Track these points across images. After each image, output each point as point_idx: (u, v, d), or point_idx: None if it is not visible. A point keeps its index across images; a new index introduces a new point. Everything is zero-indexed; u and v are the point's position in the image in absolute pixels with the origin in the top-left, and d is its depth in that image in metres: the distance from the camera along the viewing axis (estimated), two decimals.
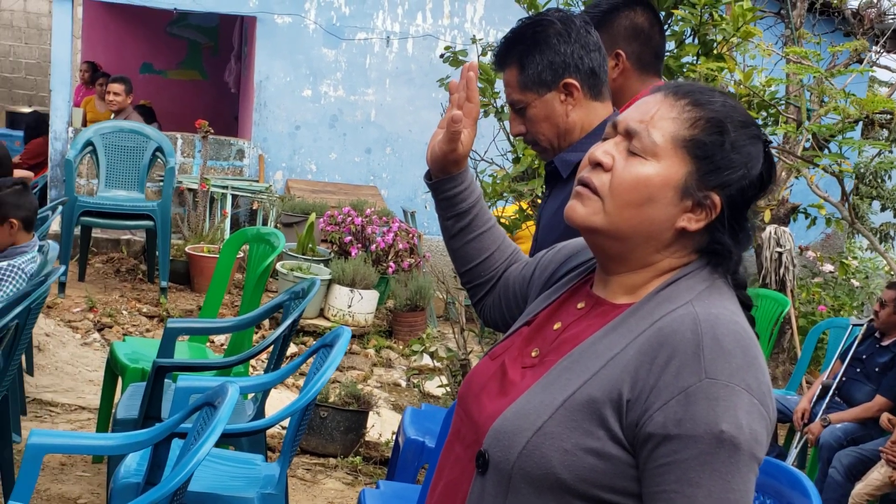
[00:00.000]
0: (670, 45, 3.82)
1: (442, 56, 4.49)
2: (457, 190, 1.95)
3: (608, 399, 1.41)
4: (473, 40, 4.56)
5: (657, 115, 1.51)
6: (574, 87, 2.38)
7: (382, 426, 5.43)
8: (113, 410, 4.56)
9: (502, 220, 5.33)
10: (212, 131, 8.58)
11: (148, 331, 6.75)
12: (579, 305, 1.61)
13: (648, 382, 1.39)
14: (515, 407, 1.48)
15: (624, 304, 1.53)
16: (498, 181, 4.22)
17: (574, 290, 1.67)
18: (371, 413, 5.30)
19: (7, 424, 4.02)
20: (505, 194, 4.19)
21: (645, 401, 1.39)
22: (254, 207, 8.64)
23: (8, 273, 4.25)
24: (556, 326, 1.60)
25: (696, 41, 3.88)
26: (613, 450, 1.41)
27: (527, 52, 2.39)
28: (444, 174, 1.95)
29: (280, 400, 5.25)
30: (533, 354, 1.58)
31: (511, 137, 4.43)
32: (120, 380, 4.57)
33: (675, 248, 1.52)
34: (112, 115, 9.00)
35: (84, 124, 9.39)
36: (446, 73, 5.28)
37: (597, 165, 1.53)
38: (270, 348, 4.20)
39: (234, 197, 8.63)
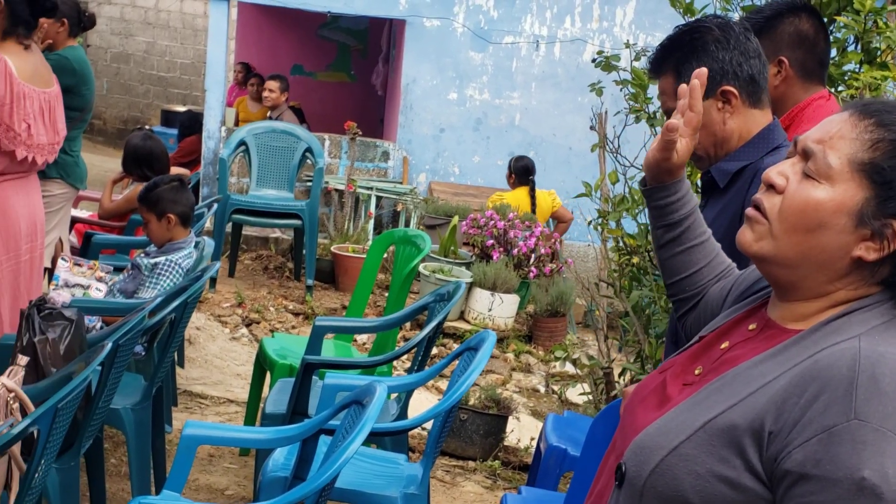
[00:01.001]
0: (832, 53, 3.70)
1: (594, 60, 4.45)
2: (669, 200, 1.91)
3: (749, 428, 1.35)
4: (627, 45, 4.51)
5: (837, 134, 1.43)
6: (732, 95, 2.33)
7: (521, 431, 5.43)
8: (261, 405, 4.68)
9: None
10: (360, 133, 8.72)
11: (293, 327, 6.90)
12: (750, 327, 1.55)
13: (793, 416, 1.32)
14: (659, 423, 1.45)
15: (793, 331, 1.46)
16: None
17: (751, 311, 1.61)
18: (510, 418, 5.30)
19: (161, 415, 4.16)
20: None
21: (787, 435, 1.31)
22: (397, 209, 8.74)
23: (166, 268, 4.39)
24: (723, 345, 1.55)
25: (860, 49, 3.76)
26: (748, 481, 1.34)
27: (684, 59, 2.36)
28: (657, 182, 1.91)
29: (419, 401, 5.29)
30: (696, 372, 1.54)
31: None
32: (268, 375, 4.68)
33: (851, 278, 1.43)
34: (268, 113, 9.25)
35: (236, 124, 9.66)
36: (594, 77, 5.25)
37: (770, 187, 1.47)
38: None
39: (379, 198, 8.75)
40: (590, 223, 4.70)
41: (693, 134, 1.85)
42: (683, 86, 1.86)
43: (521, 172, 8.08)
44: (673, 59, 2.37)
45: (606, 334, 5.14)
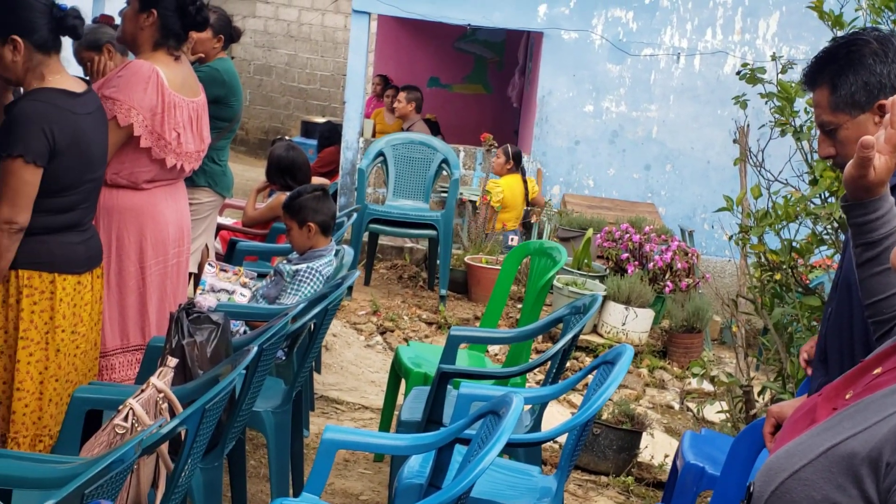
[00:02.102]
0: None
1: (738, 73, 4.38)
2: (867, 218, 1.85)
3: (868, 457, 1.30)
4: (773, 58, 4.41)
5: None
6: None
7: (655, 448, 5.35)
8: (396, 412, 4.73)
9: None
10: (495, 145, 8.75)
11: (427, 336, 6.96)
12: None
13: None
14: (790, 445, 1.42)
15: None
16: (791, 202, 4.07)
17: None
18: (644, 434, 5.23)
19: (300, 419, 4.24)
20: (800, 217, 4.03)
21: None
22: (531, 221, 8.73)
23: (307, 275, 4.49)
24: (875, 371, 1.50)
25: None
26: None
27: (840, 72, 2.30)
28: (855, 199, 1.86)
29: (551, 413, 5.27)
30: (846, 396, 1.49)
31: (808, 158, 4.26)
32: (403, 382, 4.73)
33: None
34: (402, 125, 9.40)
35: (373, 135, 9.81)
36: (734, 89, 5.16)
37: None
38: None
39: None
40: (730, 238, 4.61)
41: (893, 151, 1.77)
42: (894, 99, 1.77)
43: (517, 160, 8.56)
44: (828, 71, 2.32)
45: (746, 352, 5.04)
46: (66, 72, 3.41)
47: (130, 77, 3.76)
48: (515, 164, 8.54)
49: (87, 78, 4.39)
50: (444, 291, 7.60)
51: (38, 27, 3.28)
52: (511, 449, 3.83)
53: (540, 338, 6.87)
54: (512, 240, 8.34)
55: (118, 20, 4.01)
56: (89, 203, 3.48)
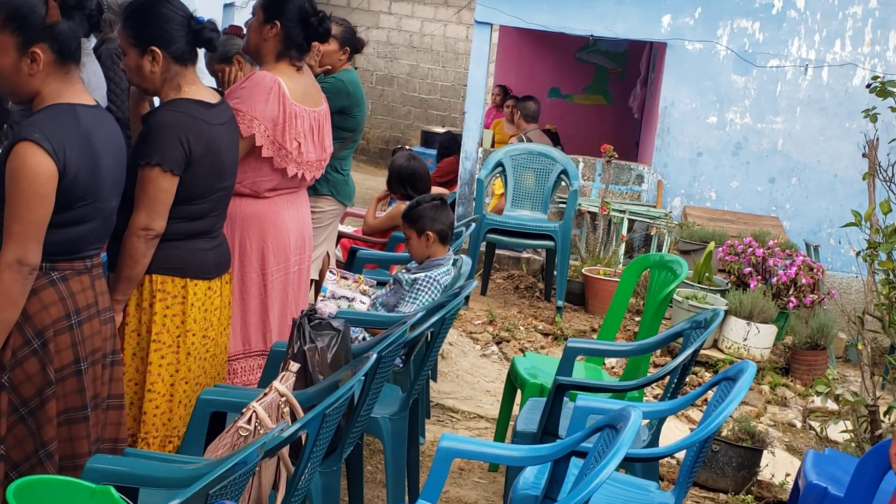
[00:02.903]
0: None
1: (868, 86, 4.28)
2: None
3: None
4: None
5: None
6: None
7: (776, 466, 5.24)
8: (511, 422, 4.74)
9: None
10: (616, 156, 8.69)
11: (542, 347, 6.94)
12: None
13: None
14: None
15: None
16: None
17: None
18: (765, 452, 5.13)
19: (416, 426, 4.28)
20: None
21: None
22: (650, 233, 8.64)
23: (425, 284, 4.53)
24: None
25: None
26: None
27: None
28: None
29: (669, 428, 5.21)
30: None
31: None
32: (519, 393, 4.73)
33: None
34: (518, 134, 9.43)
35: (492, 145, 9.84)
36: (863, 102, 5.03)
37: None
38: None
39: (631, 222, 8.68)
40: (858, 254, 4.50)
41: None
42: None
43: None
44: None
45: (872, 371, 4.90)
46: (201, 83, 3.51)
47: (253, 88, 3.86)
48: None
49: (220, 89, 4.51)
50: (560, 302, 7.58)
51: (176, 39, 3.38)
52: (628, 463, 3.80)
53: (658, 352, 6.79)
54: None
55: (246, 31, 4.11)
56: (220, 211, 3.57)
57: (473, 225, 6.60)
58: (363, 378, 3.10)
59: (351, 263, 5.70)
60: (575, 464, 3.23)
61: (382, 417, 3.88)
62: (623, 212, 8.55)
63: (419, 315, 3.88)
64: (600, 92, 12.14)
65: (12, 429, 2.84)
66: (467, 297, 7.54)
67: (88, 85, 4.18)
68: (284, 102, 3.87)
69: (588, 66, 12.07)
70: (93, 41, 5.11)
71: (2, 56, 2.83)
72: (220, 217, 3.61)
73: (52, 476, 2.54)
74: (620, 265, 8.07)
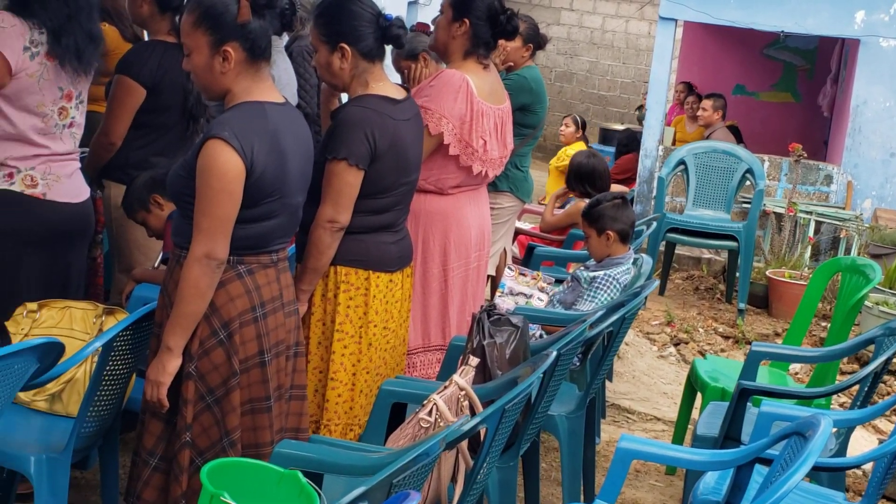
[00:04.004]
0: None
1: None
2: None
3: None
4: None
5: None
6: None
7: None
8: (690, 426, 4.65)
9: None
10: (804, 155, 8.40)
11: (722, 350, 6.78)
12: None
13: None
14: None
15: None
16: None
17: None
18: None
19: (592, 425, 4.25)
20: None
21: None
22: (839, 236, 8.32)
23: (604, 282, 4.49)
24: None
25: None
26: None
27: None
28: None
29: (856, 438, 5.00)
30: None
31: None
32: (699, 396, 4.63)
33: None
34: (704, 132, 9.22)
35: (673, 143, 9.67)
36: None
37: None
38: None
39: (819, 223, 8.38)
40: None
41: None
42: None
43: (583, 128, 9.25)
44: None
45: None
46: (388, 79, 3.57)
47: (442, 87, 3.90)
48: (582, 132, 9.35)
49: (406, 85, 4.58)
50: (742, 305, 7.38)
51: (365, 36, 3.45)
52: (814, 473, 3.67)
53: (845, 360, 6.54)
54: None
55: (433, 28, 4.16)
56: (403, 205, 3.63)
57: (654, 224, 6.50)
58: (541, 375, 3.09)
59: (528, 260, 5.69)
60: (758, 471, 3.14)
61: (559, 415, 3.86)
62: (810, 213, 8.27)
63: (599, 313, 3.85)
64: (788, 89, 11.75)
65: (199, 417, 2.95)
66: (645, 297, 7.44)
67: (279, 82, 4.33)
68: (472, 100, 3.89)
69: (776, 63, 11.70)
70: (285, 38, 5.26)
71: (195, 54, 2.93)
72: (404, 211, 3.66)
73: (244, 459, 2.63)
74: (806, 268, 7.81)
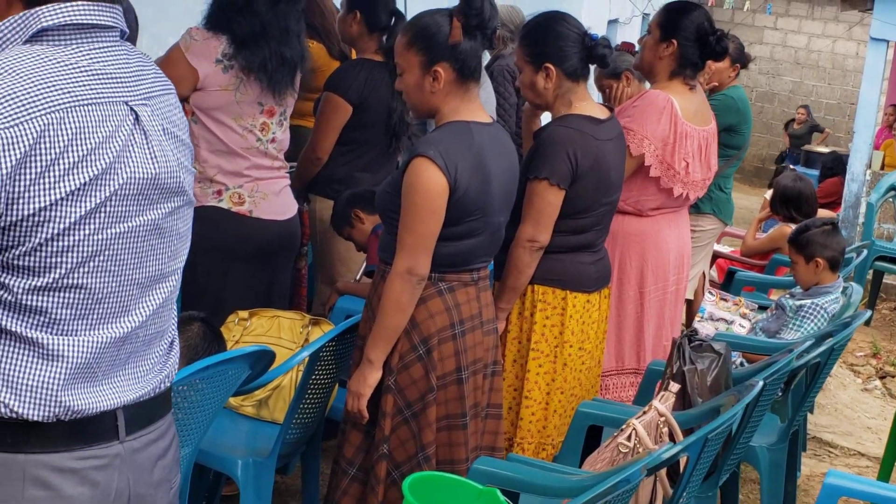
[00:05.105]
0: None
1: None
2: None
3: None
4: None
5: None
6: None
7: None
8: None
9: None
10: None
11: None
12: None
13: None
14: None
15: None
16: None
17: None
18: None
19: (794, 459, 4.10)
20: None
21: None
22: None
23: (811, 311, 4.33)
24: None
25: None
26: None
27: None
28: None
29: None
30: None
31: None
32: None
33: None
34: None
35: (882, 167, 9.27)
36: None
37: None
38: None
39: None
40: None
41: None
42: None
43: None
44: None
45: None
46: (591, 98, 3.55)
47: (646, 107, 3.85)
48: None
49: (608, 104, 4.55)
50: None
51: (570, 56, 3.44)
52: None
53: None
54: None
55: (638, 48, 4.12)
56: (603, 225, 3.59)
57: (865, 252, 6.23)
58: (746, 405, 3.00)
59: (728, 285, 5.55)
60: None
61: (760, 447, 3.74)
62: None
63: (806, 344, 3.71)
64: None
65: (396, 430, 2.98)
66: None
67: None
68: (676, 122, 3.83)
69: None
70: (486, 57, 5.31)
71: (407, 74, 2.98)
72: (603, 232, 3.63)
73: (444, 474, 2.65)
74: None
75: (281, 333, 3.50)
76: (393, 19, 4.37)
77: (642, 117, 3.81)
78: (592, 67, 3.60)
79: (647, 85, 4.22)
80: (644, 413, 3.05)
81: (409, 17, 4.30)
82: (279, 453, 3.14)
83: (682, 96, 3.90)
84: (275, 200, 3.83)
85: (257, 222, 3.76)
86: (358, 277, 4.24)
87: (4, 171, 1.50)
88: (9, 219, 1.53)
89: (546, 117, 3.67)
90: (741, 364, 4.27)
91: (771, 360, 3.50)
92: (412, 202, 2.85)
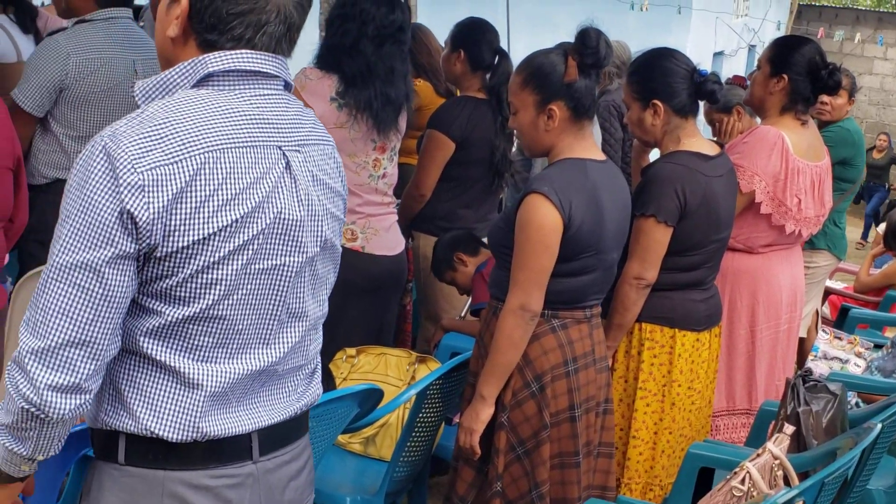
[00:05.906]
0: None
1: None
2: None
3: None
4: None
5: None
6: None
7: None
8: None
9: None
10: None
11: None
12: None
13: None
14: None
15: None
16: None
17: None
18: None
19: None
20: None
21: None
22: None
23: None
24: None
25: None
26: None
27: None
28: None
29: None
30: None
31: None
32: None
33: None
34: None
35: None
36: None
37: None
38: None
39: None
40: None
41: None
42: None
43: None
44: None
45: None
46: (700, 134, 3.50)
47: (756, 143, 3.79)
48: None
49: (717, 139, 4.49)
50: None
51: (679, 92, 3.40)
52: None
53: None
54: None
55: (749, 83, 4.06)
56: (713, 263, 3.53)
57: None
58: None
59: (842, 322, 5.40)
60: None
61: (877, 489, 3.62)
62: None
63: None
64: None
65: (509, 467, 2.98)
66: None
67: None
68: (787, 158, 3.76)
69: None
70: None
71: (521, 112, 2.98)
72: (714, 269, 3.57)
73: None
74: None
75: (388, 371, 3.52)
76: (496, 58, 4.39)
77: (752, 153, 3.76)
78: (702, 103, 3.56)
79: (759, 120, 4.15)
80: (758, 455, 2.97)
81: (511, 55, 4.33)
82: (386, 491, 3.15)
83: (794, 132, 3.84)
84: (385, 236, 3.88)
85: (370, 258, 3.82)
86: (463, 314, 4.24)
87: (162, 204, 1.58)
88: (165, 249, 1.61)
89: (655, 154, 3.64)
90: (856, 405, 4.15)
91: (888, 400, 3.39)
92: (526, 238, 2.85)
